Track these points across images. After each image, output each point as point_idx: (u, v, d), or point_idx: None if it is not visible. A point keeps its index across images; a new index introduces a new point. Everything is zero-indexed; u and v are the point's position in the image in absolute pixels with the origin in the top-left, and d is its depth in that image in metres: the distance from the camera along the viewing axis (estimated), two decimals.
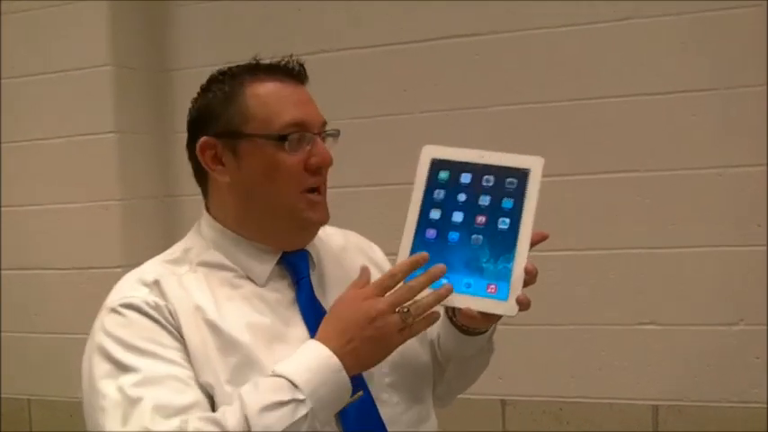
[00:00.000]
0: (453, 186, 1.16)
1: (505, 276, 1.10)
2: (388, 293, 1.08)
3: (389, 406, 1.20)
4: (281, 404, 1.02)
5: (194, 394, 1.08)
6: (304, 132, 1.19)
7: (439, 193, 1.16)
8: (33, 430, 2.66)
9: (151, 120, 2.62)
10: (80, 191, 2.53)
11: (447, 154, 1.18)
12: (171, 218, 2.63)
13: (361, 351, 1.06)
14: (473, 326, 1.18)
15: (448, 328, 1.25)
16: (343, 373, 1.05)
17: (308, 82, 1.27)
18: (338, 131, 1.27)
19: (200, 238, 1.26)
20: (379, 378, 1.20)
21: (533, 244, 1.13)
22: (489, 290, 1.10)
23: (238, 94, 1.20)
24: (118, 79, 2.51)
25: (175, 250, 1.26)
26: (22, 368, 2.63)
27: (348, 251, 1.36)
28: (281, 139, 1.17)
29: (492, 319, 1.13)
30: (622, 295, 2.22)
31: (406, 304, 1.06)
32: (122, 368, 1.09)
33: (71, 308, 2.50)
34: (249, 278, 1.22)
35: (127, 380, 1.07)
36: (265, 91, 1.20)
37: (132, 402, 1.05)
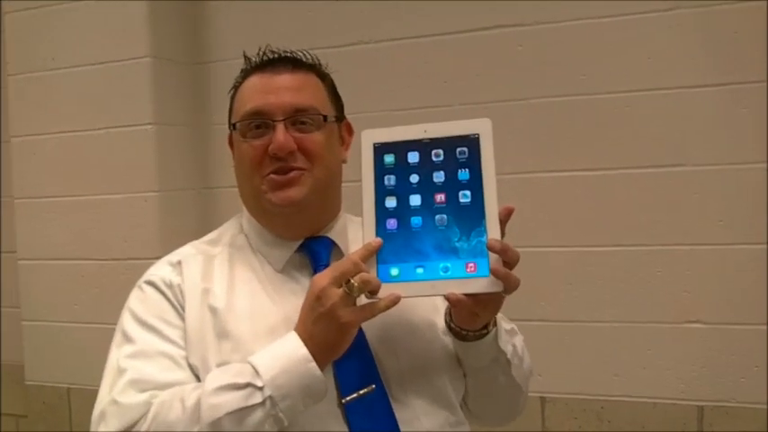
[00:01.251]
0: (403, 168, 1.10)
1: (482, 251, 1.04)
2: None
3: (408, 408, 1.16)
4: (237, 387, 1.03)
5: (182, 374, 1.13)
6: (260, 120, 1.21)
7: (390, 179, 1.10)
8: (73, 418, 2.68)
9: (190, 111, 2.62)
10: (119, 182, 2.54)
11: (388, 135, 1.12)
12: (208, 209, 2.63)
13: (314, 333, 1.05)
14: (468, 326, 1.14)
15: (451, 337, 1.20)
16: (312, 363, 1.04)
17: (316, 69, 1.30)
18: (325, 117, 1.24)
19: (238, 223, 1.33)
20: (398, 376, 1.17)
21: (503, 221, 1.07)
22: (469, 269, 1.04)
23: (237, 91, 1.30)
24: (157, 71, 2.51)
25: (215, 232, 1.35)
26: (61, 357, 2.65)
27: None
28: (234, 127, 1.24)
29: (483, 305, 1.08)
30: (668, 293, 2.16)
31: (353, 279, 1.03)
32: (126, 339, 1.17)
33: (110, 298, 2.51)
34: (269, 263, 1.25)
35: (124, 350, 1.15)
36: (245, 85, 1.27)
37: (119, 372, 1.12)
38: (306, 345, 1.05)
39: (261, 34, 2.53)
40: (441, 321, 1.22)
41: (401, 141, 1.11)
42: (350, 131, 1.35)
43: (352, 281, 1.03)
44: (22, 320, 2.72)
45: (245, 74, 1.29)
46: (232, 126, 1.25)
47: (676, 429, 2.16)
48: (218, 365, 1.11)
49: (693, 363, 2.15)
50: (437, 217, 1.07)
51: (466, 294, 1.04)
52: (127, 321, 1.19)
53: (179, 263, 1.24)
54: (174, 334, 1.16)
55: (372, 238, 1.08)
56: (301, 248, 1.25)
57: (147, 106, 2.49)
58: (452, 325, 1.16)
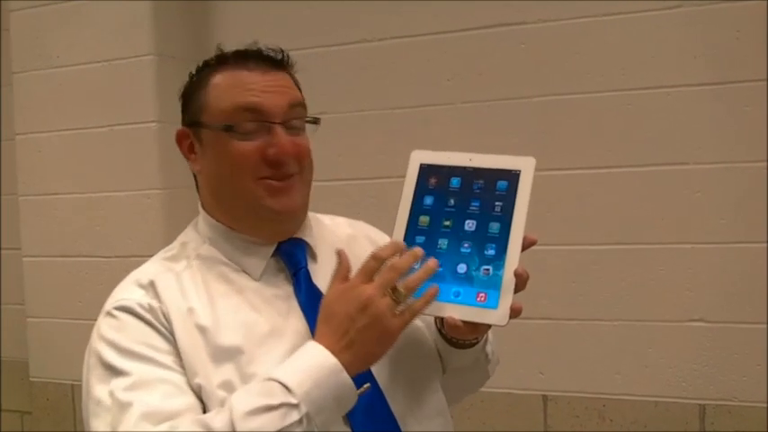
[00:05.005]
0: (443, 191, 1.13)
1: (495, 284, 1.06)
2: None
3: (400, 402, 1.16)
4: (270, 408, 0.98)
5: (186, 399, 1.06)
6: (257, 121, 1.15)
7: (428, 199, 1.13)
8: (77, 415, 2.69)
9: None
10: (123, 180, 2.55)
11: (436, 159, 1.16)
12: None
13: (359, 343, 1.02)
14: (459, 337, 1.13)
15: (437, 338, 1.21)
16: (344, 373, 1.01)
17: (292, 67, 1.24)
18: (316, 120, 1.22)
19: (196, 232, 1.25)
20: (389, 371, 1.16)
21: (523, 248, 1.08)
22: (479, 299, 1.06)
23: (203, 85, 1.21)
24: (161, 69, 2.52)
25: (174, 246, 1.26)
26: (65, 354, 2.66)
27: (357, 239, 1.32)
28: (228, 128, 1.15)
29: (480, 329, 1.09)
30: (671, 291, 2.16)
31: (398, 286, 1.02)
32: (114, 372, 1.07)
33: None
34: (245, 272, 1.19)
35: (118, 384, 1.05)
36: (225, 80, 1.19)
37: (122, 407, 1.03)
38: (341, 354, 1.02)
39: (264, 32, 2.53)
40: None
41: (446, 166, 1.15)
42: None
43: (398, 287, 1.02)
44: (26, 317, 2.73)
45: (211, 69, 1.21)
46: (225, 126, 1.16)
47: (678, 428, 2.16)
48: (219, 386, 1.07)
49: (695, 361, 2.15)
50: (463, 242, 1.10)
51: (467, 321, 1.06)
52: (107, 354, 1.08)
53: (151, 283, 1.14)
54: (167, 359, 1.08)
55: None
56: (275, 253, 1.21)
57: (151, 104, 2.50)
58: (443, 331, 1.17)
